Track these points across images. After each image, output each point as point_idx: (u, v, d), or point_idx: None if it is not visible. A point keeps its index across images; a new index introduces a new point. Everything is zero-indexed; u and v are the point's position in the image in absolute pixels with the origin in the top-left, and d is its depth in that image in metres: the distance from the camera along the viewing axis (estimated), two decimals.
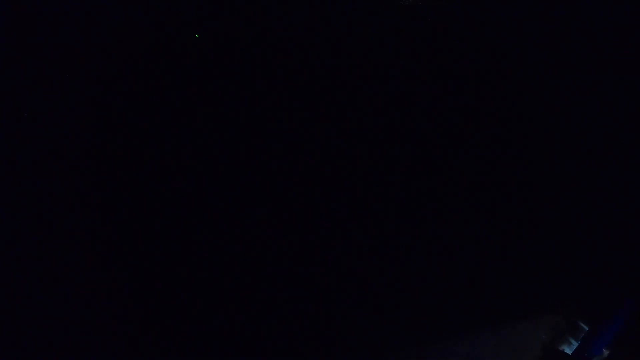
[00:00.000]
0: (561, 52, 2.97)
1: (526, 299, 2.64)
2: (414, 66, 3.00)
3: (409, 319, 2.70)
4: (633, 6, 2.81)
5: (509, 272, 2.79)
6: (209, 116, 2.99)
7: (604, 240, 2.61)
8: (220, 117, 3.01)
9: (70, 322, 2.69)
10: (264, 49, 2.96)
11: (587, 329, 2.23)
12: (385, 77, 3.02)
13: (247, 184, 2.98)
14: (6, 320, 2.65)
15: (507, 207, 2.89)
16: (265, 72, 3.00)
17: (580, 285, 2.52)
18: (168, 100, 2.96)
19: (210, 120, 2.99)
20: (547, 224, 2.82)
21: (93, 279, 2.79)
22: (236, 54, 2.97)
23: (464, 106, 3.02)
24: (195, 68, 2.95)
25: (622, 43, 2.88)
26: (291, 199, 2.99)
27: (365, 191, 2.99)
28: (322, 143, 3.01)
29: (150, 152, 2.95)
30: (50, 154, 2.87)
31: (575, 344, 2.26)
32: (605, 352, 2.16)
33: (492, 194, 2.94)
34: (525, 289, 2.67)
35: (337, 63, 3.00)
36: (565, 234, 2.72)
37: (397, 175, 3.00)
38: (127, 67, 2.93)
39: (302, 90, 3.03)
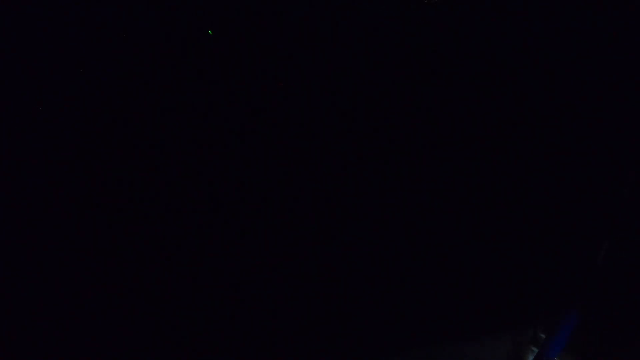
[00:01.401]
0: (562, 53, 2.98)
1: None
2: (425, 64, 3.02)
3: (416, 320, 2.71)
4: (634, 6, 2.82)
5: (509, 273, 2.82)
6: (212, 115, 3.00)
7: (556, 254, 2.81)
8: (222, 116, 3.01)
9: (69, 322, 2.69)
10: (273, 45, 2.98)
11: (544, 336, 2.52)
12: (395, 76, 3.04)
13: (250, 182, 2.99)
14: (6, 320, 2.66)
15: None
16: (273, 69, 3.01)
17: (535, 297, 2.71)
18: (175, 100, 2.98)
19: (212, 118, 3.00)
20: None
21: (91, 278, 2.79)
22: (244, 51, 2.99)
23: (467, 107, 3.04)
24: (205, 66, 2.96)
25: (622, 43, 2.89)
26: (294, 199, 3.00)
27: (374, 191, 3.00)
28: (327, 143, 3.03)
29: (153, 151, 2.96)
30: (54, 154, 2.88)
31: (535, 351, 2.55)
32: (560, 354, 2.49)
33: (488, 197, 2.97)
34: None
35: (351, 60, 3.02)
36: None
37: (407, 176, 3.01)
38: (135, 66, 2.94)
39: (306, 89, 3.04)
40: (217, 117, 3.03)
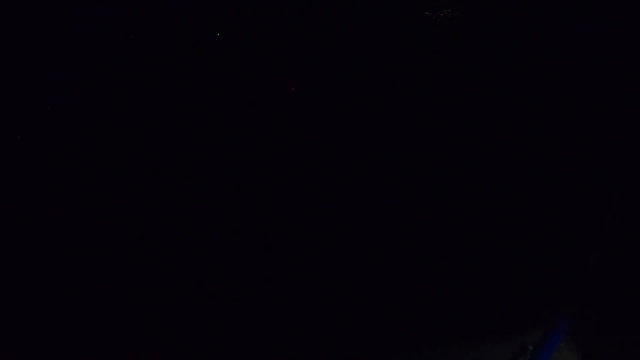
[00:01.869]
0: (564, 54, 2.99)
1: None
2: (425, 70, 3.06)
3: (417, 321, 2.71)
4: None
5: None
6: (212, 115, 3.00)
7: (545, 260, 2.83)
8: (222, 116, 3.02)
9: (69, 322, 2.69)
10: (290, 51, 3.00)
11: (531, 348, 2.54)
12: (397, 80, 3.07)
13: (250, 182, 2.99)
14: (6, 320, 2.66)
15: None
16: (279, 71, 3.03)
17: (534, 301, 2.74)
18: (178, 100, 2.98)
19: (212, 119, 3.01)
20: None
21: (91, 278, 2.79)
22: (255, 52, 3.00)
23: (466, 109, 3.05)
24: (210, 67, 2.97)
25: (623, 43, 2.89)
26: (294, 199, 3.00)
27: (374, 192, 3.00)
28: (330, 143, 3.03)
29: (153, 151, 2.96)
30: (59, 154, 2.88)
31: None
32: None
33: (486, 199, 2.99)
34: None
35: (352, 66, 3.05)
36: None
37: (409, 178, 3.02)
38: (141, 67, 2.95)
39: (307, 89, 3.05)
40: (217, 118, 3.04)
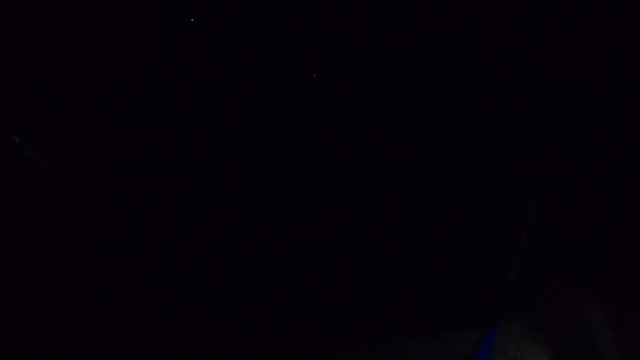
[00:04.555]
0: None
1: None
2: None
3: (376, 319, 2.71)
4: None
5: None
6: (208, 112, 3.00)
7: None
8: (219, 113, 3.02)
9: (69, 322, 2.70)
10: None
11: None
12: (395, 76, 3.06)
13: (249, 182, 3.00)
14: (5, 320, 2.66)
15: None
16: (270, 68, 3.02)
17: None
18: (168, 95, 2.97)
19: (209, 116, 3.00)
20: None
21: (91, 278, 2.80)
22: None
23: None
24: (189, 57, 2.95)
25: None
26: (289, 198, 3.00)
27: (348, 191, 3.01)
28: (327, 141, 3.03)
29: (152, 151, 2.96)
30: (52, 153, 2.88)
31: None
32: None
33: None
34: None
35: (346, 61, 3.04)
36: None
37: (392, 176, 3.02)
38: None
39: (306, 88, 3.05)
40: (215, 117, 3.03)
